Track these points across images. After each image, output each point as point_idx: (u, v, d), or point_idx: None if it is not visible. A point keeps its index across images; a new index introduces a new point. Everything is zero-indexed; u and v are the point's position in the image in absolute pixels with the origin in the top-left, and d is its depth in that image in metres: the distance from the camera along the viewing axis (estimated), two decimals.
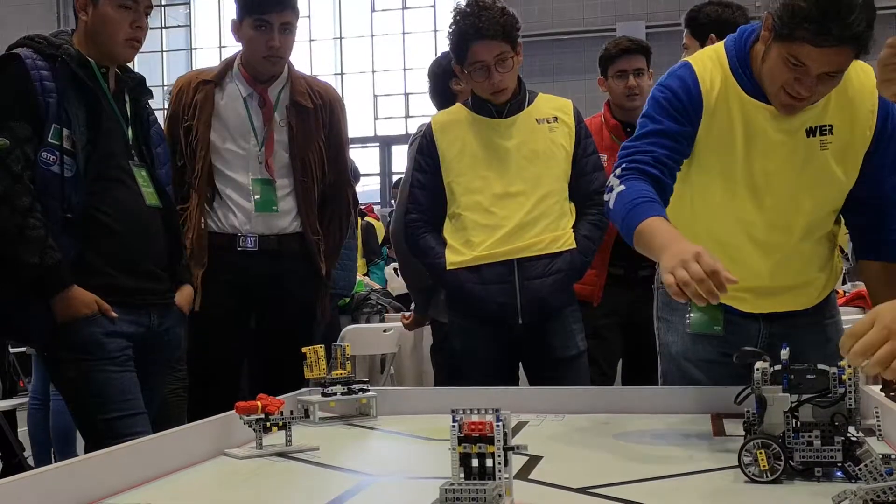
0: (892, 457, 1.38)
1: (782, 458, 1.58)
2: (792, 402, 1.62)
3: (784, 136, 2.31)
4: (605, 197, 2.29)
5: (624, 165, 2.29)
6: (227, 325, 3.46)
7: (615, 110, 4.10)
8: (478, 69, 3.13)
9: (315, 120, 3.53)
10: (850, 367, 1.60)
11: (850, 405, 1.59)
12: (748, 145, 2.33)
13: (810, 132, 2.31)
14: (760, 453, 1.59)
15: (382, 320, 6.13)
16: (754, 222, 2.39)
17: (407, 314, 4.44)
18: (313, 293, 3.58)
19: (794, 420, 1.61)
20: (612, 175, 2.31)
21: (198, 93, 3.46)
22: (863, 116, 2.32)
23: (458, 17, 3.14)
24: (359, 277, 6.57)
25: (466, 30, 3.11)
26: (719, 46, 2.37)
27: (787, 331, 2.41)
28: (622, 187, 2.23)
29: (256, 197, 3.40)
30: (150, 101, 3.10)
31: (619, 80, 4.03)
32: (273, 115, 3.47)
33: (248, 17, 3.41)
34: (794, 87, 2.19)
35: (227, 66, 3.53)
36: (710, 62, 2.35)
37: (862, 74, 2.32)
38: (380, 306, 6.26)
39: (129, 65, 3.06)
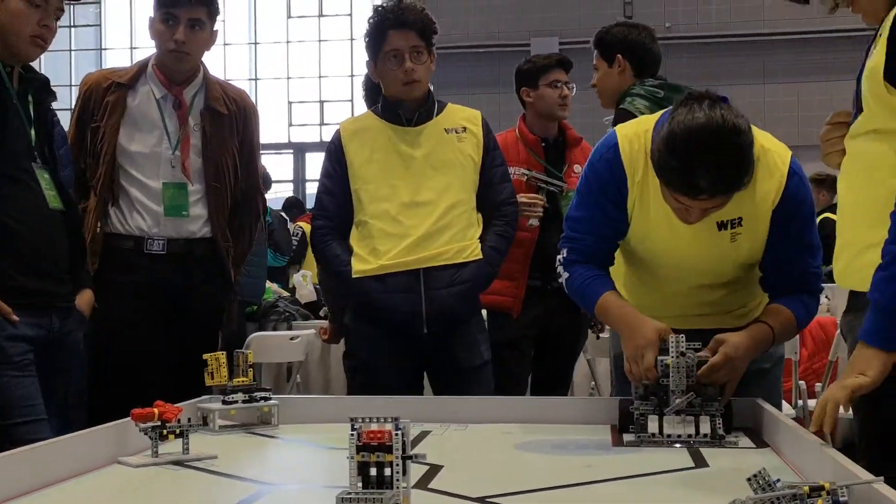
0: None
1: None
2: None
3: (694, 232, 2.32)
4: (561, 280, 2.53)
5: (565, 253, 2.50)
6: (133, 329, 3.38)
7: (533, 125, 4.13)
8: (392, 57, 3.15)
9: (229, 126, 3.48)
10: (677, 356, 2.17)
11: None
12: (661, 235, 2.38)
13: (721, 226, 2.33)
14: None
15: (290, 328, 6.08)
16: (668, 293, 2.51)
17: (324, 327, 4.37)
18: (221, 299, 3.53)
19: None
20: (557, 259, 2.53)
21: (109, 94, 3.39)
22: (768, 204, 2.32)
23: (378, 9, 3.19)
24: (267, 284, 6.52)
25: (385, 17, 3.15)
26: (650, 125, 2.35)
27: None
28: (566, 274, 2.49)
29: (167, 201, 3.35)
30: (53, 102, 3.03)
31: (554, 89, 4.07)
32: (188, 117, 3.42)
33: (158, 10, 3.37)
34: (683, 216, 2.24)
35: (141, 67, 3.47)
36: (637, 142, 2.37)
37: (771, 157, 2.32)
38: (287, 314, 6.21)
39: (35, 64, 2.99)
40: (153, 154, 3.37)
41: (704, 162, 2.07)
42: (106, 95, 3.37)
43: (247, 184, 3.56)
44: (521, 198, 3.64)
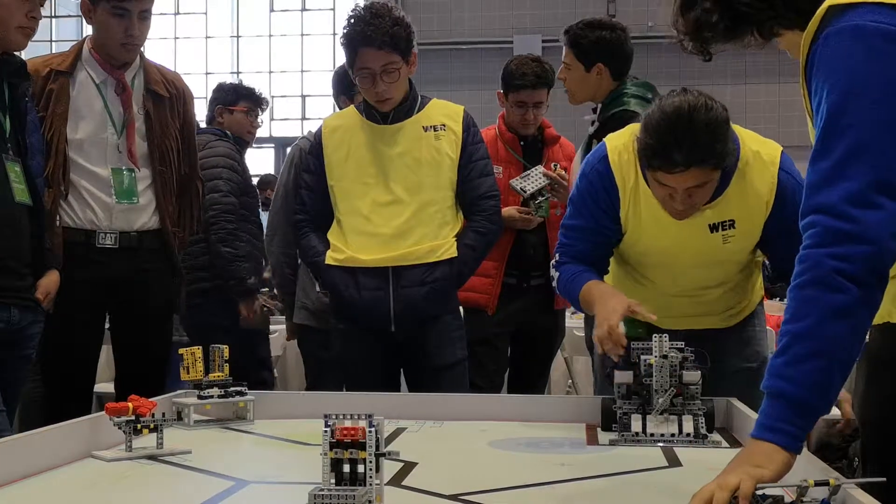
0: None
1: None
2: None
3: (686, 233, 2.42)
4: (553, 283, 2.62)
5: (557, 257, 2.60)
6: (86, 326, 3.34)
7: (510, 124, 4.13)
8: (364, 76, 3.09)
9: (170, 109, 3.44)
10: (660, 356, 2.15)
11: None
12: (652, 237, 2.48)
13: (713, 228, 2.43)
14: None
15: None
16: (662, 294, 2.57)
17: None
18: (173, 290, 3.51)
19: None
20: (551, 265, 2.63)
21: (51, 82, 3.29)
22: (763, 204, 2.41)
23: (351, 20, 3.08)
24: None
25: (355, 36, 3.06)
26: (637, 132, 2.40)
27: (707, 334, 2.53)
28: (556, 273, 2.58)
29: (117, 187, 3.29)
30: (29, 88, 3.01)
31: (518, 109, 4.03)
32: (132, 101, 3.36)
33: (105, 2, 3.27)
34: (670, 204, 2.35)
35: (77, 52, 3.38)
36: (626, 152, 2.46)
37: (760, 159, 2.40)
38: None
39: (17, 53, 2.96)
40: (99, 141, 3.30)
41: (678, 135, 2.19)
42: (47, 84, 3.28)
43: (188, 169, 3.53)
44: (511, 210, 3.81)
